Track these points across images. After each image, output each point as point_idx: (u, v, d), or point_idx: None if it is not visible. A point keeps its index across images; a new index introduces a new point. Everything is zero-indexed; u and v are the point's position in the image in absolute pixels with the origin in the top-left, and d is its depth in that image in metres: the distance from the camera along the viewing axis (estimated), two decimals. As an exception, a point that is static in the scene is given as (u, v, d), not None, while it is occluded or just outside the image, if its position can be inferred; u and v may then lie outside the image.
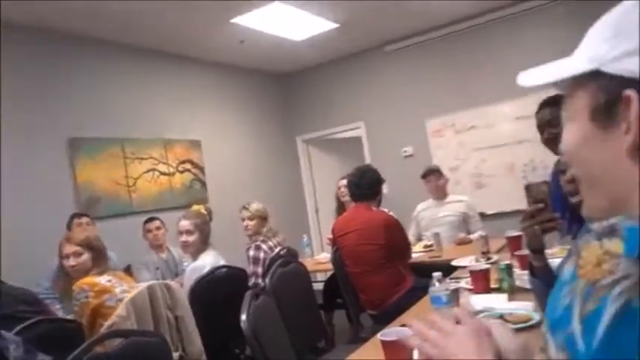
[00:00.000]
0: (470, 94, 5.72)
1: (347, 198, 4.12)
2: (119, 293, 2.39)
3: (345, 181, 4.42)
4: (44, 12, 4.01)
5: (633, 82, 0.52)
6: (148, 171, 5.01)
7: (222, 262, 3.19)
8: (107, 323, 2.23)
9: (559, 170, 1.53)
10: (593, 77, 0.56)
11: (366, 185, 3.23)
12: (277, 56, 6.12)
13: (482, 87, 5.58)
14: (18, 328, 1.85)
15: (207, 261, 3.16)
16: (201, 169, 5.60)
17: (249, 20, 4.81)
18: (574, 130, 0.60)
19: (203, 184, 5.59)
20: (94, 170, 4.50)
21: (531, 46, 5.08)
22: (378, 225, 3.07)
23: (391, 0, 4.85)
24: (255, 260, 3.53)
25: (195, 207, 3.85)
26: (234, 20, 4.75)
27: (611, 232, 0.50)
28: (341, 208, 4.41)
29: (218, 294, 2.94)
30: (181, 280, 3.39)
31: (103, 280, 2.43)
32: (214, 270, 3.06)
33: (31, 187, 4.05)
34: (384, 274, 3.03)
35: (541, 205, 1.58)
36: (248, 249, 3.62)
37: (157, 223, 4.32)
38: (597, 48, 0.56)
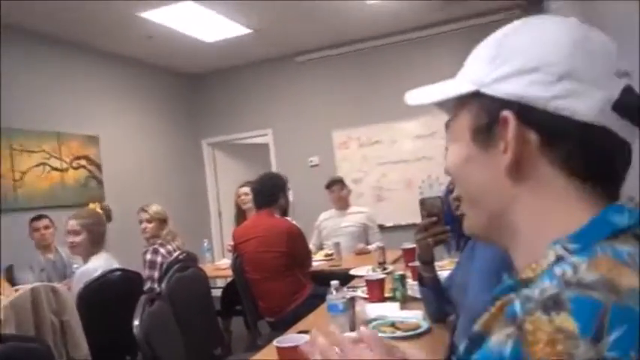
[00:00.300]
0: (376, 110, 5.94)
1: (248, 205, 4.12)
2: None
3: (245, 189, 4.41)
4: None
5: (511, 104, 0.54)
6: (38, 165, 4.66)
7: (115, 266, 3.04)
8: (-19, 328, 2.05)
9: (449, 189, 1.65)
10: (475, 98, 0.57)
11: (268, 192, 3.25)
12: (187, 56, 5.99)
13: (388, 103, 5.83)
14: None
15: (98, 264, 2.98)
16: (98, 167, 5.31)
17: (159, 16, 4.67)
18: (457, 150, 0.61)
19: (100, 182, 5.29)
20: (-26, 161, 4.12)
21: (438, 67, 5.34)
22: (280, 232, 3.10)
23: (307, 11, 4.93)
24: (152, 264, 3.41)
25: (91, 205, 3.62)
26: (143, 14, 4.58)
27: (555, 303, 0.44)
28: (241, 215, 4.36)
29: (110, 298, 2.79)
30: (69, 282, 3.18)
31: None
32: (106, 273, 2.90)
33: None
34: (283, 281, 3.06)
35: (434, 219, 1.69)
36: (145, 252, 3.48)
37: (45, 221, 4.03)
38: (478, 70, 0.58)
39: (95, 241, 3.06)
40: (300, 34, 5.66)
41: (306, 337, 1.51)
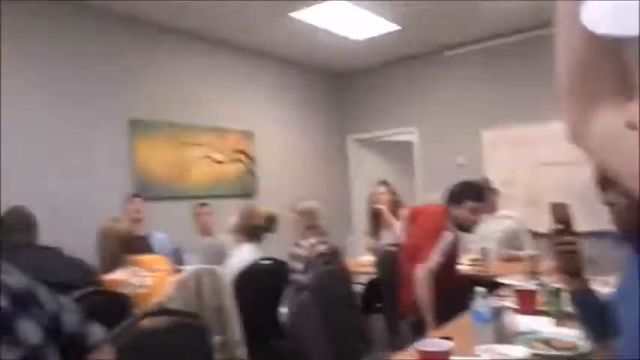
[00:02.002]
0: (531, 107, 5.55)
1: (381, 205, 4.13)
2: (137, 282, 2.59)
3: (381, 188, 4.38)
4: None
5: None
6: (202, 157, 5.14)
7: (265, 255, 3.26)
8: (155, 301, 2.32)
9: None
10: None
11: (456, 193, 3.07)
12: (335, 54, 6.14)
13: (544, 101, 5.42)
14: (71, 295, 1.95)
15: (249, 255, 3.23)
16: (253, 160, 5.69)
17: (309, 15, 4.83)
18: None
19: (254, 175, 5.68)
20: (151, 152, 4.66)
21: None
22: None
23: (455, 4, 4.77)
24: (296, 257, 3.56)
25: (263, 208, 3.80)
26: (293, 14, 4.78)
27: None
28: (374, 215, 4.33)
29: (259, 285, 2.99)
30: (224, 267, 3.47)
31: (119, 274, 2.62)
32: (258, 261, 3.12)
33: (92, 164, 4.24)
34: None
35: (560, 227, 1.53)
36: (291, 245, 3.66)
37: (207, 208, 4.42)
38: None
39: (248, 233, 3.32)
40: (448, 27, 5.47)
41: (449, 343, 1.46)
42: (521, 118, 5.64)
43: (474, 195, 2.98)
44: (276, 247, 3.52)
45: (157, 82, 4.81)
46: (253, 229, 3.34)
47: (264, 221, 3.41)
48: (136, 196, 4.19)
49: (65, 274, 2.33)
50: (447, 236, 2.88)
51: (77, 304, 1.23)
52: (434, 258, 2.82)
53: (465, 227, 3.00)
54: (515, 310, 2.14)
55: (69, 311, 1.17)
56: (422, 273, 2.78)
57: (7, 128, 3.67)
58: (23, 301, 1.03)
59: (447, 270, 2.90)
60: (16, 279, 1.06)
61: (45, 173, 3.92)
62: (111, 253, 2.70)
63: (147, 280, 2.60)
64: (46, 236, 2.63)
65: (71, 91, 4.16)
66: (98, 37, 4.40)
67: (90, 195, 4.14)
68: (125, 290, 2.56)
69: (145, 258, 2.78)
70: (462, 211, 2.93)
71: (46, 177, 3.92)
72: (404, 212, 3.92)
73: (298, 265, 3.50)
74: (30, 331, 1.01)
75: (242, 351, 2.55)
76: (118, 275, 2.59)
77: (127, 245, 2.74)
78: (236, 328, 2.55)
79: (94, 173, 4.24)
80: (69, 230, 3.47)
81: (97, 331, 1.21)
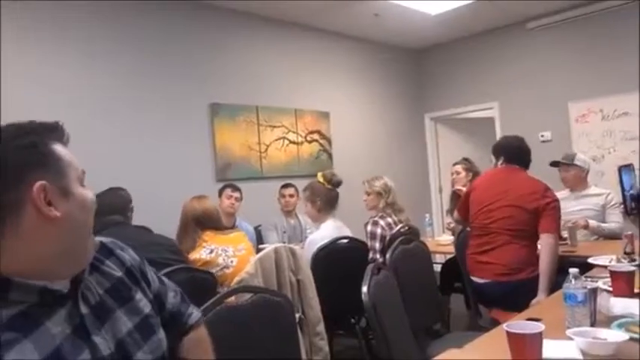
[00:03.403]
0: (622, 78, 5.16)
1: (462, 184, 4.01)
2: (222, 262, 2.75)
3: (458, 167, 4.25)
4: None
5: None
6: (279, 139, 5.23)
7: (344, 234, 3.27)
8: (236, 279, 2.40)
9: None
10: None
11: (525, 152, 3.15)
12: (410, 31, 5.99)
13: (635, 70, 5.00)
14: (162, 272, 2.06)
15: (326, 232, 3.25)
16: (329, 141, 5.71)
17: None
18: None
19: (330, 155, 5.71)
20: (230, 135, 4.80)
21: None
22: (535, 189, 2.94)
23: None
24: (373, 235, 3.55)
25: (319, 176, 3.84)
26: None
27: None
28: (455, 195, 4.21)
29: (338, 264, 3.02)
30: (304, 245, 3.53)
31: (203, 254, 2.75)
32: (336, 240, 3.14)
33: (175, 148, 4.43)
34: (523, 243, 2.89)
35: None
36: (366, 224, 3.65)
37: (291, 190, 4.48)
38: None
39: (322, 209, 3.34)
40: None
41: (539, 325, 1.40)
42: (611, 90, 5.25)
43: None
44: (355, 226, 3.53)
45: (234, 67, 4.93)
46: (326, 204, 3.35)
47: (332, 185, 3.42)
48: (228, 186, 4.19)
49: (158, 252, 2.46)
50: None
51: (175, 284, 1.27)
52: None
53: None
54: (610, 292, 2.02)
55: (171, 290, 1.22)
56: (553, 239, 2.80)
57: (98, 117, 3.92)
58: (135, 276, 1.09)
59: None
60: (129, 255, 1.12)
61: (134, 158, 4.15)
62: (194, 230, 2.83)
63: (233, 260, 2.70)
64: (135, 217, 2.80)
65: (156, 78, 4.35)
66: (178, 24, 4.55)
67: (173, 177, 4.32)
68: (212, 269, 2.68)
69: (230, 237, 2.88)
70: None
71: (135, 161, 4.14)
72: None
73: (377, 244, 3.49)
74: (142, 301, 1.07)
75: (321, 328, 2.58)
76: (205, 255, 2.71)
77: (211, 222, 2.85)
78: (316, 307, 2.58)
79: (178, 156, 4.43)
80: (155, 211, 3.66)
81: (195, 312, 1.25)
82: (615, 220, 3.72)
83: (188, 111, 4.55)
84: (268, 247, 2.56)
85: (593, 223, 3.64)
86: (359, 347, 3.21)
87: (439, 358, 1.59)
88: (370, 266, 2.02)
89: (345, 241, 3.21)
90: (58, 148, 0.91)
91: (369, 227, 3.59)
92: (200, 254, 2.74)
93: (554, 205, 2.89)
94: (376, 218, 3.61)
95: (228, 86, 4.85)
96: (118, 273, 1.05)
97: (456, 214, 3.49)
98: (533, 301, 2.64)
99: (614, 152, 5.33)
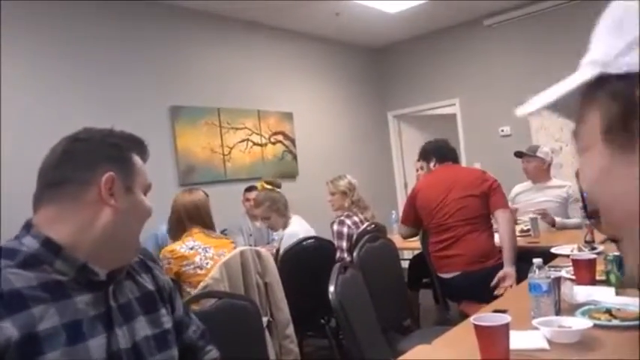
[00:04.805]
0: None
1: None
2: (198, 261, 2.60)
3: (419, 163, 4.29)
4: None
5: None
6: (242, 141, 5.16)
7: (311, 230, 3.27)
8: (202, 284, 2.34)
9: None
10: (600, 86, 0.43)
11: (452, 149, 3.34)
12: (371, 30, 6.01)
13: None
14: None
15: (298, 227, 3.27)
16: (292, 141, 5.68)
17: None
18: (589, 161, 0.46)
19: (294, 156, 5.67)
20: (192, 138, 4.71)
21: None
22: (477, 177, 3.04)
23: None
24: (340, 235, 3.54)
25: (257, 185, 3.85)
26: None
27: None
28: None
29: (306, 264, 2.99)
30: (271, 247, 3.49)
31: (183, 247, 2.63)
32: (302, 241, 3.11)
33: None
34: (484, 232, 2.95)
35: None
36: (332, 223, 3.64)
37: (254, 193, 4.42)
38: (601, 46, 0.44)
39: (284, 212, 3.41)
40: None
41: (506, 317, 1.40)
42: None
43: None
44: (319, 226, 3.52)
45: (195, 68, 4.83)
46: (283, 206, 3.42)
47: (277, 186, 3.54)
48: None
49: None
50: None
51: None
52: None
53: None
54: (573, 281, 2.05)
55: (194, 325, 1.23)
56: (507, 213, 2.92)
57: (53, 123, 3.77)
58: (164, 297, 1.14)
59: None
60: (163, 277, 1.18)
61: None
62: (177, 220, 2.75)
63: (208, 262, 2.62)
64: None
65: (112, 80, 4.22)
66: (137, 24, 4.44)
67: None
68: (184, 267, 2.59)
69: (216, 240, 2.78)
70: None
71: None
72: None
73: (344, 244, 3.48)
74: (165, 317, 1.11)
75: (291, 330, 2.55)
76: (184, 250, 2.61)
77: (199, 217, 2.76)
78: (284, 309, 2.55)
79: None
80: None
81: (214, 351, 1.24)
82: (578, 214, 3.79)
83: (148, 114, 4.43)
84: (234, 251, 2.51)
85: (559, 220, 3.72)
86: (329, 347, 3.19)
87: (408, 354, 1.58)
88: (337, 265, 2.00)
89: (312, 240, 3.19)
90: (136, 157, 1.07)
91: (335, 227, 3.58)
92: (180, 247, 2.63)
93: (498, 184, 3.03)
94: (342, 217, 3.60)
95: (188, 88, 4.75)
96: (151, 287, 1.11)
97: (401, 226, 3.39)
98: (500, 273, 2.73)
99: (571, 145, 5.46)
